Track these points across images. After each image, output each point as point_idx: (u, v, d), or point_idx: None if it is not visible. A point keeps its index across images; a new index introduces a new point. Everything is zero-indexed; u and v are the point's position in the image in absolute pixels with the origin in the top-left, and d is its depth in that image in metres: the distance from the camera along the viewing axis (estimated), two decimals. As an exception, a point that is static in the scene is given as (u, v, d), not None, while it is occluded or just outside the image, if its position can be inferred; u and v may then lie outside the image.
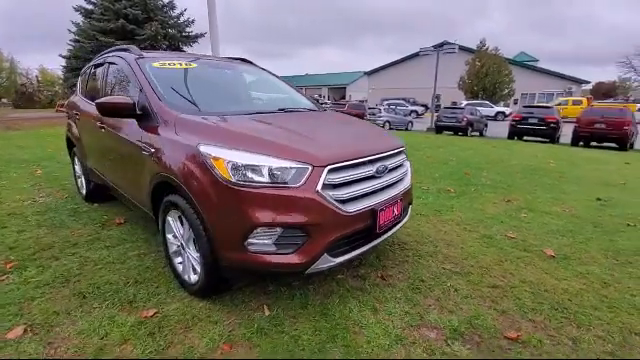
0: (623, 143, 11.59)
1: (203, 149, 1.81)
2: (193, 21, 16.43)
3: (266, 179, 1.70)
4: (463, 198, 4.26)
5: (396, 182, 2.24)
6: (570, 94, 31.22)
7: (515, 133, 13.94)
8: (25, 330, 1.77)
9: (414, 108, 28.89)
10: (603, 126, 12.03)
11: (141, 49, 2.87)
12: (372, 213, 1.92)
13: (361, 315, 1.94)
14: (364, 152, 2.00)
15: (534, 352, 1.69)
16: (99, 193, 3.75)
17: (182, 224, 2.08)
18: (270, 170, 1.70)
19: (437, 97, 21.79)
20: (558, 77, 33.98)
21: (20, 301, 2.02)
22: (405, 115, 21.06)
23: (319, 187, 1.73)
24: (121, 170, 2.77)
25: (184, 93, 2.50)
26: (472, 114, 15.52)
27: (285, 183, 1.70)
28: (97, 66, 3.42)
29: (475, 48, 29.93)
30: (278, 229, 1.70)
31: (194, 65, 2.84)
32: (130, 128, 2.40)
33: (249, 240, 1.71)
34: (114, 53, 3.04)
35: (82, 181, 3.90)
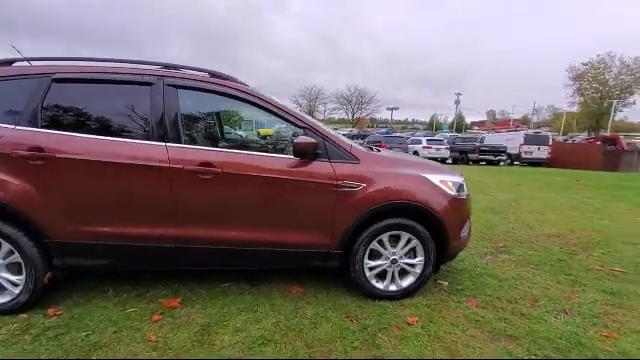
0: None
1: (429, 176, 2.54)
2: None
3: (464, 190, 2.73)
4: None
5: None
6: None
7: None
8: None
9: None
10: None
11: None
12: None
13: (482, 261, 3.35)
14: None
15: (510, 250, 3.78)
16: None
17: (390, 243, 2.52)
18: (462, 185, 2.73)
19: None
20: (269, 107, 44.04)
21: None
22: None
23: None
24: (271, 218, 2.44)
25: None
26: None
27: (463, 191, 2.78)
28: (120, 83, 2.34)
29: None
30: (468, 221, 2.78)
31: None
32: (296, 169, 2.35)
33: (461, 231, 2.67)
34: (217, 82, 2.52)
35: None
